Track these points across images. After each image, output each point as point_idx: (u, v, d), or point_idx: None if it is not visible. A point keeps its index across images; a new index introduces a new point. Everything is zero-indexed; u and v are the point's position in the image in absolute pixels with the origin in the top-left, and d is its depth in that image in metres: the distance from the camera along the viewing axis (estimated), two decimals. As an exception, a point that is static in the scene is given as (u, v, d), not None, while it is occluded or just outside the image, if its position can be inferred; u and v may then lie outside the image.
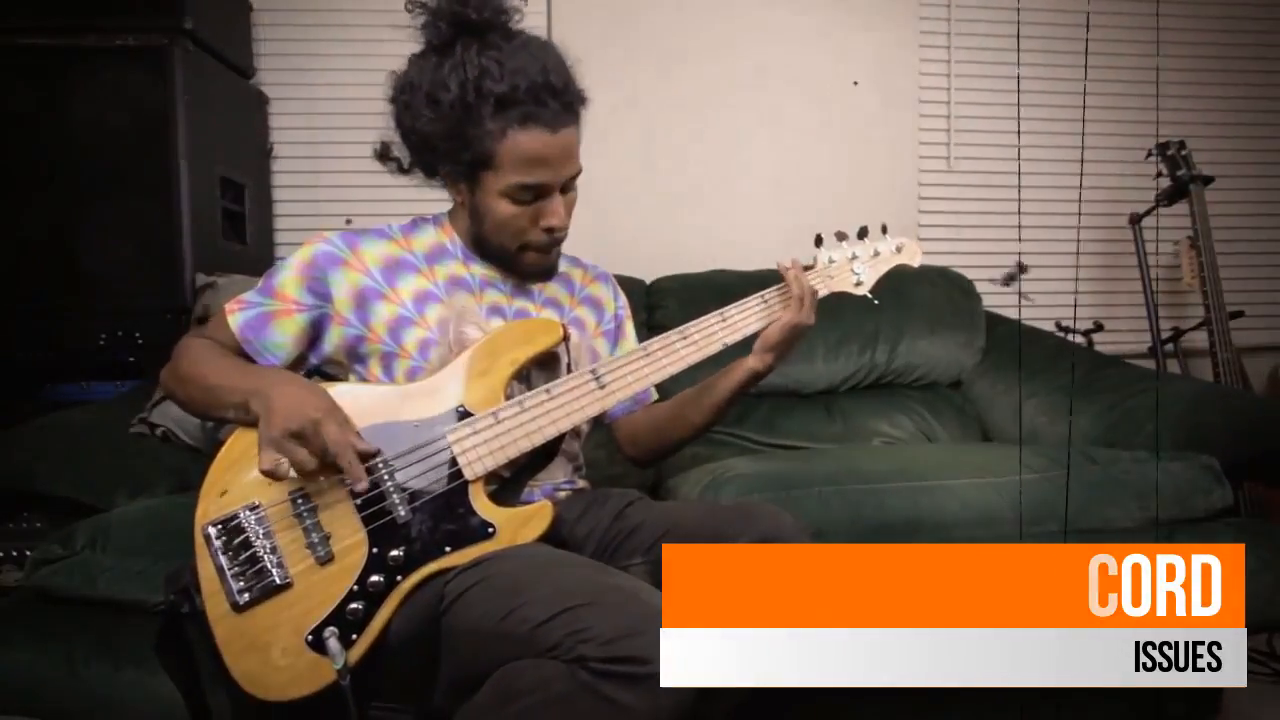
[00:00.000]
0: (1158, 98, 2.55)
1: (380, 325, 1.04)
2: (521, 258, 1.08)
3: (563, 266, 1.20)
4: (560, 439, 1.03)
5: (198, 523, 0.91)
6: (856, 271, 1.16)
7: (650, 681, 0.72)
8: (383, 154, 1.10)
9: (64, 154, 1.80)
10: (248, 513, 0.91)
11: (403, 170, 1.09)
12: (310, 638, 0.87)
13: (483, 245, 1.09)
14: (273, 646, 0.87)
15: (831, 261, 1.16)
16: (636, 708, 0.73)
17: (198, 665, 0.92)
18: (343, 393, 0.96)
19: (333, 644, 0.86)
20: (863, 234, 1.18)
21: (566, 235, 1.09)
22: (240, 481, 0.92)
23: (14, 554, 1.48)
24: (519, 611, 0.80)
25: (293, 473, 0.89)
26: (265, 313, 1.03)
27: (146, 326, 1.80)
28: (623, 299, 1.27)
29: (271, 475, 0.88)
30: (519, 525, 0.95)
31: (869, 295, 1.17)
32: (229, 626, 0.88)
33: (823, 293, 1.14)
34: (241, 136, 2.15)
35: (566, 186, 1.05)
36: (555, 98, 0.98)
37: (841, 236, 1.17)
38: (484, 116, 0.96)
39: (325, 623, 0.88)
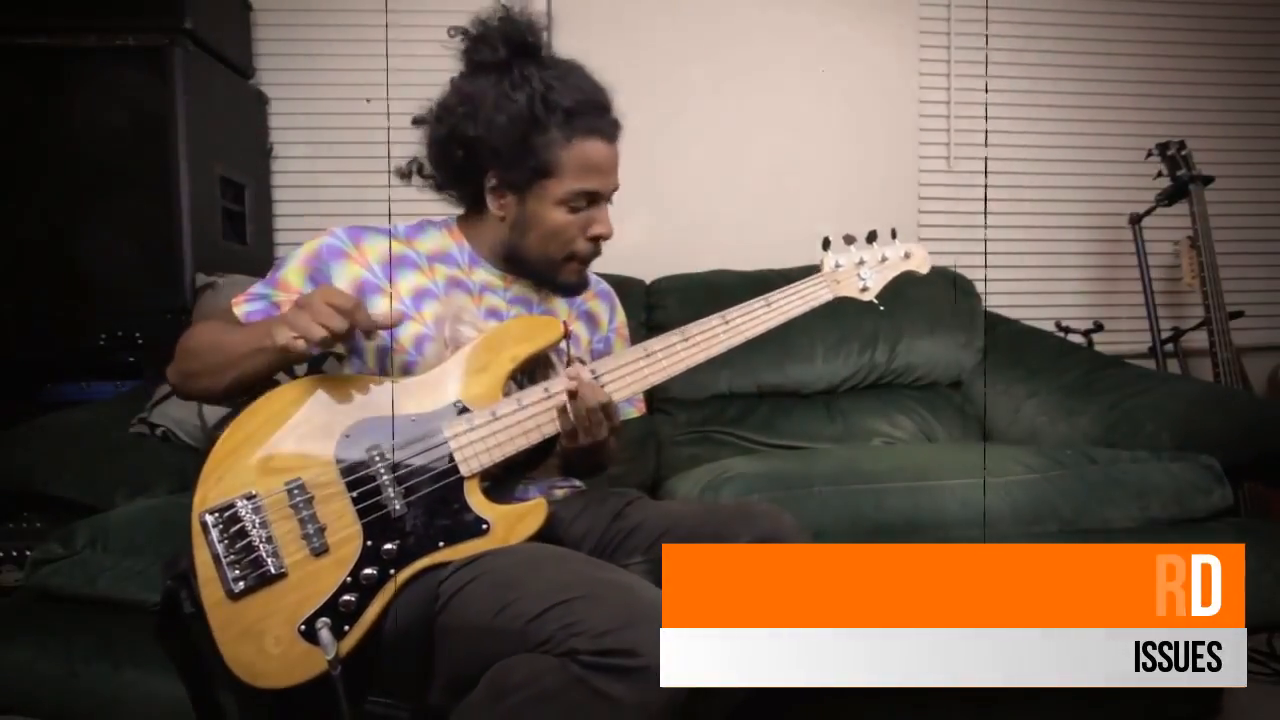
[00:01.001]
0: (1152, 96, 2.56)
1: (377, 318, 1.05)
2: (564, 268, 1.10)
3: None
4: (558, 437, 1.03)
5: (195, 510, 0.91)
6: (863, 277, 1.15)
7: (641, 674, 0.73)
8: (418, 170, 1.14)
9: (64, 154, 1.80)
10: (244, 502, 0.91)
11: (437, 188, 1.13)
12: (303, 628, 0.87)
13: (520, 257, 1.10)
14: (266, 635, 0.87)
15: (838, 266, 1.14)
16: (627, 700, 0.74)
17: (197, 651, 0.92)
18: (341, 385, 0.97)
19: (324, 634, 0.86)
20: (871, 238, 1.16)
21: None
22: (237, 470, 0.92)
23: (14, 554, 1.47)
24: (512, 607, 0.81)
25: (274, 454, 0.90)
26: (271, 303, 1.04)
27: (146, 326, 1.80)
28: (619, 319, 1.27)
29: (290, 350, 0.88)
30: (513, 522, 0.95)
31: (875, 301, 1.15)
32: (223, 614, 0.88)
33: (828, 297, 1.13)
34: (241, 136, 2.15)
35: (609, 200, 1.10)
36: (608, 116, 1.08)
37: (849, 240, 1.15)
38: (550, 125, 1.03)
39: (318, 613, 0.88)
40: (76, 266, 1.80)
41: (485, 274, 1.12)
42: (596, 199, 1.07)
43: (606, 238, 1.10)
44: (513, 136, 1.03)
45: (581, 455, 1.04)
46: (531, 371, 1.08)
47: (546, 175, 1.04)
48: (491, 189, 1.08)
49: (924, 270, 1.20)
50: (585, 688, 0.74)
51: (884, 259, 1.16)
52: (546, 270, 1.11)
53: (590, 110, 1.05)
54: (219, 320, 1.05)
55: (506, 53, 1.05)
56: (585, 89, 1.06)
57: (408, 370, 1.04)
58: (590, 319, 1.22)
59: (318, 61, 2.31)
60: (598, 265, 1.29)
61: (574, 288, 1.15)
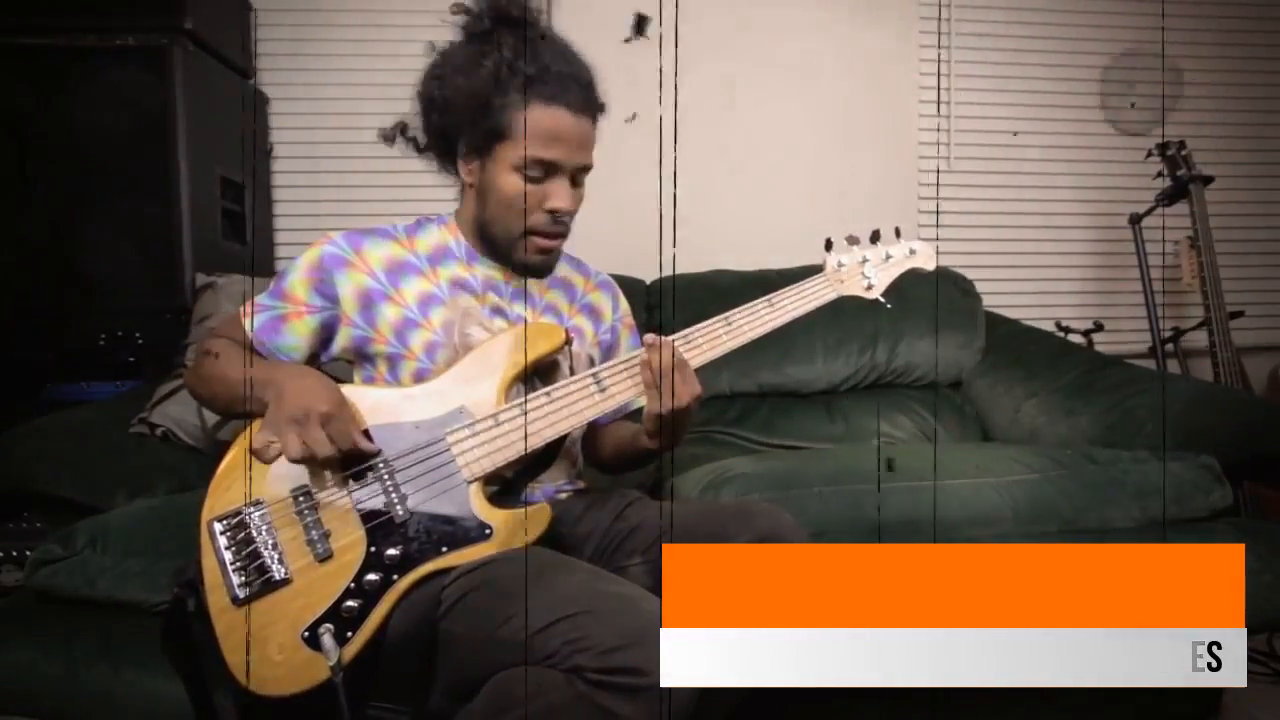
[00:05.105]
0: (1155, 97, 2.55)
1: (386, 327, 1.05)
2: (522, 243, 1.08)
3: (565, 271, 1.20)
4: (560, 441, 1.03)
5: (204, 517, 0.91)
6: (867, 275, 1.14)
7: (647, 692, 0.73)
8: (401, 131, 1.13)
9: (64, 154, 1.80)
10: (251, 509, 0.91)
11: (418, 149, 1.12)
12: (306, 634, 0.88)
13: (485, 232, 1.09)
14: (269, 642, 0.88)
15: (841, 265, 1.14)
16: (633, 719, 0.73)
17: (201, 659, 0.93)
18: (346, 394, 0.97)
19: (327, 640, 0.86)
20: (875, 238, 1.16)
21: (569, 229, 1.10)
22: (245, 479, 0.93)
23: (14, 554, 1.48)
24: (517, 618, 0.80)
25: (282, 459, 0.90)
26: (278, 315, 1.04)
27: (146, 326, 1.80)
28: (623, 308, 1.26)
29: (259, 457, 0.90)
30: (516, 527, 0.95)
31: (880, 299, 1.15)
32: (228, 620, 0.88)
33: (832, 296, 1.13)
34: (242, 136, 2.15)
35: (576, 178, 1.07)
36: (580, 90, 1.04)
37: (853, 240, 1.15)
38: (510, 88, 1.02)
39: (321, 619, 0.88)
40: (76, 266, 1.80)
41: (485, 269, 1.12)
42: (554, 170, 1.04)
43: (564, 212, 1.06)
44: (474, 98, 1.03)
45: (667, 423, 1.02)
46: (542, 374, 1.08)
47: (501, 138, 1.03)
48: (462, 155, 1.09)
49: (930, 267, 1.19)
50: (591, 705, 0.74)
51: (888, 257, 1.16)
52: (506, 245, 1.09)
53: (554, 79, 1.02)
54: (230, 339, 1.05)
55: (490, 23, 1.05)
56: (554, 59, 1.04)
57: (419, 376, 1.05)
58: (593, 312, 1.21)
59: (318, 61, 2.31)
60: (597, 265, 1.29)
61: (536, 269, 1.12)
